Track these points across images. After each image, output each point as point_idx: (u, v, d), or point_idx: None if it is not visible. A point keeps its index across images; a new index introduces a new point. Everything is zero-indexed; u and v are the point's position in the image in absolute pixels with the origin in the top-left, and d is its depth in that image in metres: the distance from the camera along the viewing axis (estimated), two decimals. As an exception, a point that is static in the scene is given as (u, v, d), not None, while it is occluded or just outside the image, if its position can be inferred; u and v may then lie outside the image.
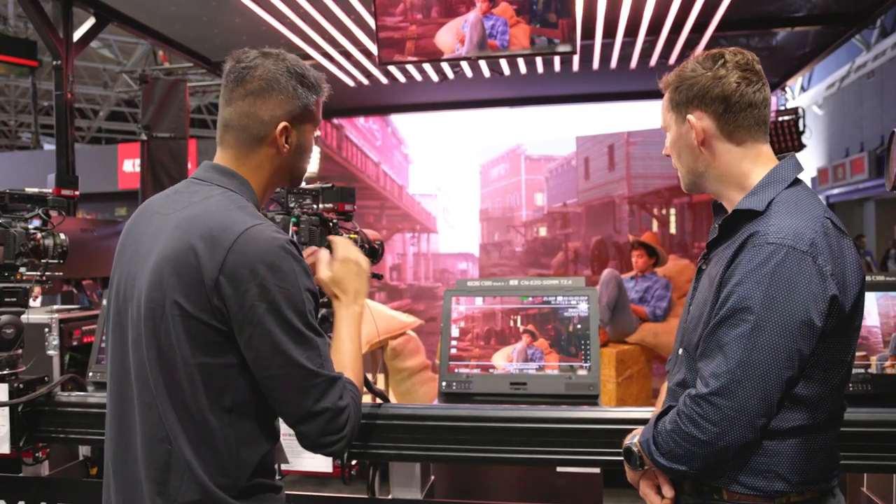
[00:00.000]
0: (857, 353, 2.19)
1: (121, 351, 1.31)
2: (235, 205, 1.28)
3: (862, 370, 2.19)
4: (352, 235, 2.01)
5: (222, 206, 1.27)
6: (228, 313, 1.20)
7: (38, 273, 2.17)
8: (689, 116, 1.43)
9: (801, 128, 6.76)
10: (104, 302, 2.08)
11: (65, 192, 2.25)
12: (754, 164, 1.42)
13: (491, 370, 2.43)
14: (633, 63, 6.00)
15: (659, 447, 1.35)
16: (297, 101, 1.37)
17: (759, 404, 1.25)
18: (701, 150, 1.43)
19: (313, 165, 6.53)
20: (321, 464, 1.89)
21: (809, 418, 1.30)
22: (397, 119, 10.01)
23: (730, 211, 1.45)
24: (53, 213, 2.25)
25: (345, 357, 1.41)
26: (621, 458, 1.47)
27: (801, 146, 6.89)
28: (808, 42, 6.14)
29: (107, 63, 15.08)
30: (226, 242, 1.20)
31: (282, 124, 1.35)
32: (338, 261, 1.58)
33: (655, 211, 8.33)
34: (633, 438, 1.45)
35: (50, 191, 2.23)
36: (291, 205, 1.89)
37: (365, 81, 6.40)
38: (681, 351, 1.48)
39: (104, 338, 2.25)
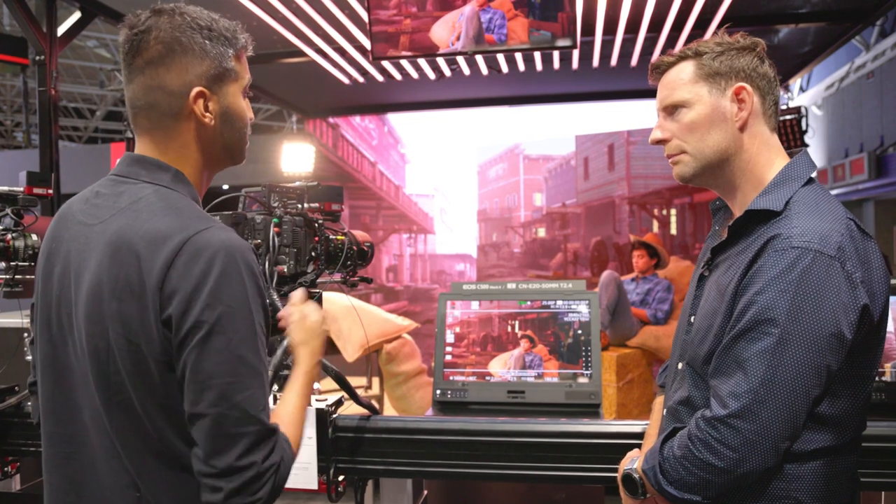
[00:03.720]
0: (871, 360, 2.11)
1: (62, 390, 1.13)
2: (172, 206, 1.08)
3: (876, 378, 2.10)
4: (339, 237, 1.91)
5: (158, 210, 1.07)
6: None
7: (9, 276, 2.06)
8: (745, 85, 1.28)
9: (803, 127, 6.66)
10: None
11: (37, 190, 2.13)
12: (776, 156, 1.31)
13: (487, 378, 2.34)
14: (634, 61, 5.91)
15: (667, 475, 1.23)
16: (209, 60, 1.12)
17: (783, 426, 1.14)
18: (741, 130, 1.29)
19: (307, 165, 6.40)
20: (305, 480, 1.78)
21: (833, 439, 1.20)
22: (394, 118, 9.94)
23: (736, 210, 1.34)
24: (36, 213, 2.14)
25: (289, 410, 1.19)
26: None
27: (804, 145, 6.79)
28: (811, 40, 6.07)
29: (104, 63, 15.00)
30: (167, 254, 1.01)
31: (195, 90, 1.11)
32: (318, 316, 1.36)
33: (656, 211, 8.25)
34: (633, 464, 1.34)
35: (21, 189, 2.12)
36: (274, 204, 1.78)
37: (360, 79, 6.30)
38: (680, 365, 1.37)
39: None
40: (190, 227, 1.04)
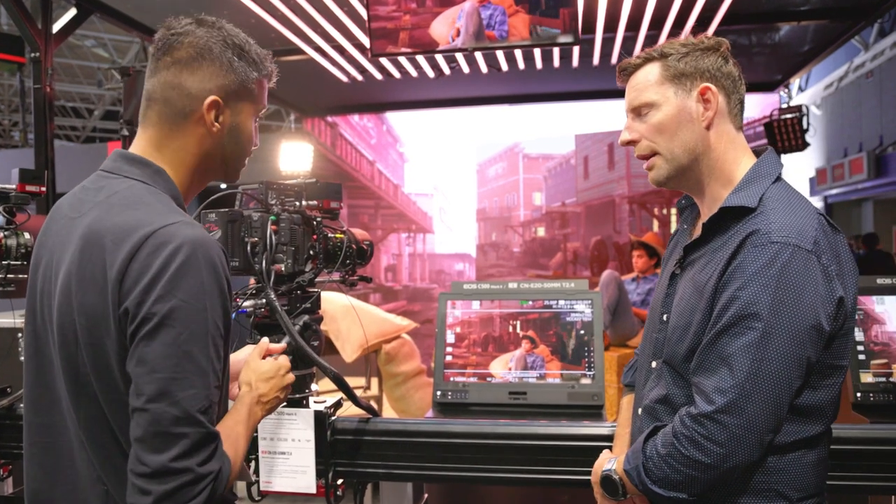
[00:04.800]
0: (878, 361, 2.10)
1: (43, 380, 1.13)
2: (145, 199, 1.09)
3: (883, 379, 2.08)
4: (338, 235, 1.87)
5: (129, 204, 1.08)
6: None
7: (1, 275, 2.02)
8: (711, 85, 1.30)
9: (804, 126, 6.64)
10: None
11: (29, 187, 2.09)
12: (744, 154, 1.34)
13: (489, 379, 2.31)
14: (634, 59, 5.88)
15: (651, 474, 1.22)
16: (233, 75, 1.17)
17: (768, 419, 1.16)
18: (707, 129, 1.32)
19: (306, 164, 6.37)
20: (303, 483, 1.74)
21: (810, 429, 1.23)
22: (392, 117, 9.90)
23: (704, 208, 1.37)
24: (29, 211, 2.11)
25: (229, 432, 1.13)
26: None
27: (805, 144, 6.76)
28: (810, 38, 6.04)
29: (102, 62, 14.96)
30: (130, 247, 1.01)
31: (211, 97, 1.15)
32: (276, 365, 1.36)
33: (656, 211, 8.22)
34: (611, 464, 1.33)
35: (13, 187, 2.09)
36: (272, 202, 1.74)
37: (359, 77, 6.27)
38: (654, 364, 1.37)
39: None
40: (156, 221, 1.04)
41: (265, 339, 1.42)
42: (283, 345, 1.45)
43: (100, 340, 1.02)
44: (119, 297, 1.00)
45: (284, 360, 1.38)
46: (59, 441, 1.10)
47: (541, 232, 9.16)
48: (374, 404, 1.86)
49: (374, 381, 4.74)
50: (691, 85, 1.31)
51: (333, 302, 4.02)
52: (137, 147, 1.18)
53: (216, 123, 1.17)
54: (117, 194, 1.10)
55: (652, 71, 1.34)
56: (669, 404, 1.30)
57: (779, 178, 1.31)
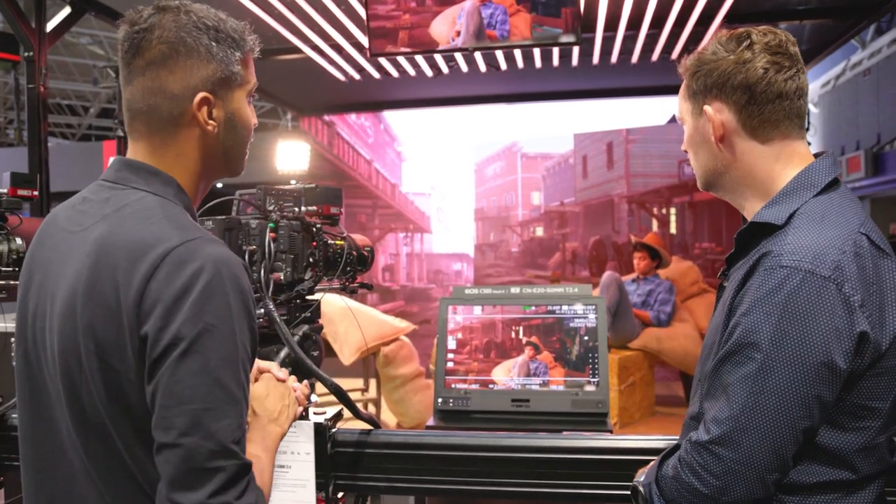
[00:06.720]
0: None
1: (38, 410, 1.04)
2: (160, 214, 1.00)
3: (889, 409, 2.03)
4: (338, 242, 1.83)
5: (143, 218, 0.99)
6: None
7: (-8, 282, 1.97)
8: (707, 108, 1.22)
9: (804, 125, 6.61)
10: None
11: (21, 192, 2.05)
12: (785, 166, 1.20)
13: (491, 386, 2.28)
14: (635, 58, 5.84)
15: (663, 493, 1.18)
16: (215, 63, 1.06)
17: (768, 458, 1.06)
18: (720, 148, 1.23)
19: (303, 163, 6.31)
20: (303, 497, 1.70)
21: (839, 473, 1.10)
22: (390, 115, 9.87)
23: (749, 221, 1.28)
24: (20, 216, 2.06)
25: (256, 465, 1.05)
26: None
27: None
28: (811, 38, 6.01)
29: (98, 60, 14.87)
30: (147, 266, 0.93)
31: (199, 95, 1.05)
32: (263, 379, 1.34)
33: (655, 210, 8.18)
34: (641, 477, 1.29)
35: (4, 191, 2.04)
36: (270, 207, 1.69)
37: (357, 76, 6.21)
38: (700, 379, 1.31)
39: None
40: (174, 237, 0.96)
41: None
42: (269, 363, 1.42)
43: (111, 367, 0.94)
44: (138, 320, 0.92)
45: (268, 376, 1.35)
46: (57, 474, 1.02)
47: (539, 232, 9.11)
48: (372, 407, 1.82)
49: (373, 384, 4.70)
50: (703, 102, 1.24)
51: (331, 304, 3.97)
52: (136, 156, 1.08)
53: (210, 121, 1.07)
54: (127, 207, 1.01)
55: (682, 85, 1.29)
56: (699, 422, 1.24)
57: (831, 186, 1.17)
